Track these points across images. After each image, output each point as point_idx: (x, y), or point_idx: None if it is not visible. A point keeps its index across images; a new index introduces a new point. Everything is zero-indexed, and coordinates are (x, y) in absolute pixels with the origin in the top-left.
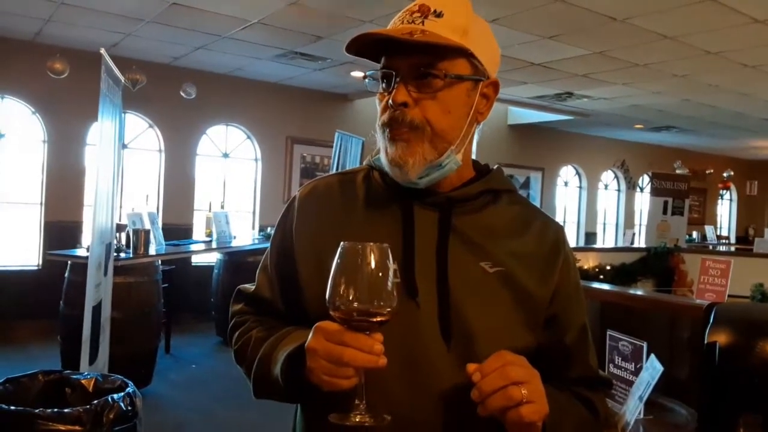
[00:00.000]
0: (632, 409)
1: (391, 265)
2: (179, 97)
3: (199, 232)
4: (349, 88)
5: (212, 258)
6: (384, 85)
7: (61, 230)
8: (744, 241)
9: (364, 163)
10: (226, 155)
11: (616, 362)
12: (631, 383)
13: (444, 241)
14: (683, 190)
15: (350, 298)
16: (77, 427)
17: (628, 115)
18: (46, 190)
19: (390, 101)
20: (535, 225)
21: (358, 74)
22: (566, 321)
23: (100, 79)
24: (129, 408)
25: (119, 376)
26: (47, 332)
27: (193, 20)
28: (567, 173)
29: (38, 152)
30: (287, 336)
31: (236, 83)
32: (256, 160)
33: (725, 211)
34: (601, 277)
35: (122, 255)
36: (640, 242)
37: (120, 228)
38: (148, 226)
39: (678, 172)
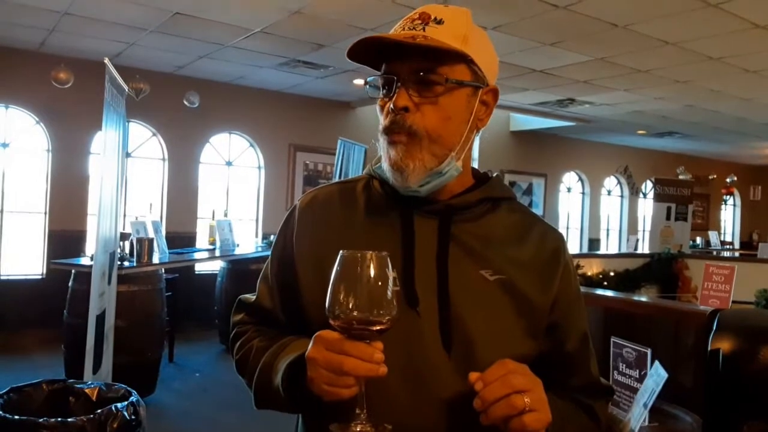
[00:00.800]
0: (637, 416)
1: (391, 274)
2: (182, 105)
3: (202, 241)
4: (351, 96)
5: (215, 266)
6: (384, 90)
7: (65, 239)
8: (748, 247)
9: (364, 171)
10: (229, 163)
11: (621, 369)
12: (635, 390)
13: (444, 250)
14: (686, 195)
15: (350, 307)
16: None
17: (630, 121)
18: (50, 199)
19: (391, 106)
20: (534, 232)
21: (360, 82)
22: (567, 329)
23: (104, 89)
24: (133, 417)
25: (123, 385)
26: (51, 341)
27: (196, 30)
28: (570, 179)
29: (42, 161)
30: (288, 345)
31: (239, 92)
32: (259, 167)
33: (729, 216)
34: (605, 283)
35: (126, 264)
36: (644, 248)
37: (124, 237)
38: (151, 234)
39: (681, 177)
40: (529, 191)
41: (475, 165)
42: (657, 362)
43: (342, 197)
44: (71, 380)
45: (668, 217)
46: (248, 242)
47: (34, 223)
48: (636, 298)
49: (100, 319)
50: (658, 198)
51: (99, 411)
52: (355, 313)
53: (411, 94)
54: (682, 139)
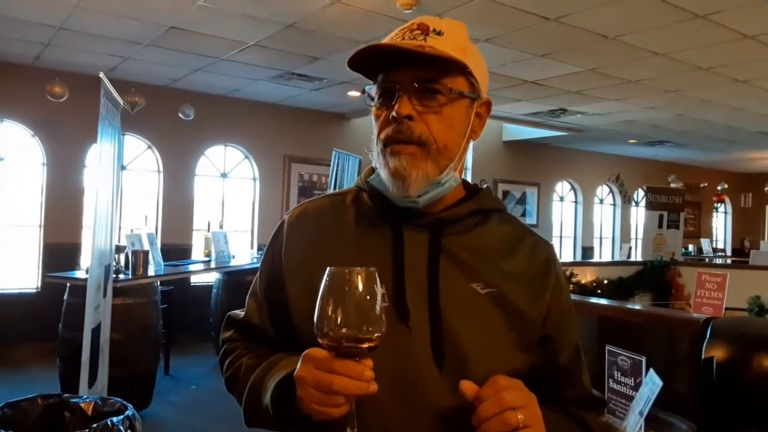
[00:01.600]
0: (633, 424)
1: (379, 290)
2: (177, 118)
3: (197, 252)
4: (345, 108)
5: (211, 278)
6: (381, 100)
7: (60, 252)
8: (740, 254)
9: (353, 184)
10: (224, 175)
11: (616, 377)
12: (630, 398)
13: (435, 263)
14: (678, 203)
15: (338, 324)
16: None
17: (621, 131)
18: (46, 212)
19: (394, 114)
20: (525, 244)
21: (354, 94)
22: (559, 341)
23: (99, 102)
24: (128, 431)
25: (118, 399)
26: (46, 355)
27: (190, 43)
28: (562, 188)
29: (38, 175)
30: (277, 364)
31: (234, 104)
32: (254, 179)
33: (720, 223)
34: (599, 291)
35: (121, 276)
36: (637, 256)
37: (119, 249)
38: (147, 246)
39: (672, 185)
40: (522, 200)
41: (469, 175)
42: (652, 370)
43: (331, 211)
44: (66, 395)
45: (660, 225)
46: (244, 254)
47: (29, 236)
48: (630, 306)
49: (96, 332)
50: (650, 206)
51: (94, 425)
52: (343, 331)
53: (414, 103)
54: (673, 147)
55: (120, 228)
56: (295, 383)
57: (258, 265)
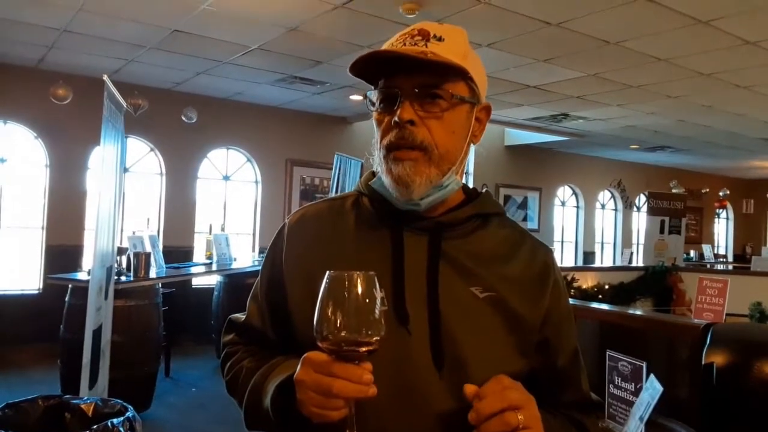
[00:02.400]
0: (633, 429)
1: (378, 293)
2: (180, 121)
3: (199, 255)
4: (348, 111)
5: (212, 280)
6: (383, 105)
7: (62, 254)
8: (741, 260)
9: (353, 189)
10: (226, 178)
11: (616, 382)
12: (631, 403)
13: (434, 267)
14: (680, 209)
15: (338, 327)
16: None
17: (623, 136)
18: (48, 213)
19: (396, 119)
20: (524, 248)
21: (357, 98)
22: (558, 345)
23: (103, 105)
24: None
25: (119, 401)
26: (47, 356)
27: (194, 47)
28: (564, 193)
29: (40, 176)
30: (277, 367)
31: (237, 107)
32: (256, 182)
33: (722, 229)
34: (600, 296)
35: (123, 278)
36: (638, 261)
37: (121, 251)
38: (148, 249)
39: (674, 191)
40: (523, 205)
41: (470, 179)
42: (652, 376)
43: (331, 215)
44: (67, 396)
45: (662, 231)
46: (245, 256)
47: (31, 237)
48: (631, 311)
49: (97, 334)
50: (651, 211)
51: (95, 427)
52: (343, 334)
53: (415, 108)
54: (674, 153)
55: (122, 230)
56: (295, 386)
57: (259, 268)
